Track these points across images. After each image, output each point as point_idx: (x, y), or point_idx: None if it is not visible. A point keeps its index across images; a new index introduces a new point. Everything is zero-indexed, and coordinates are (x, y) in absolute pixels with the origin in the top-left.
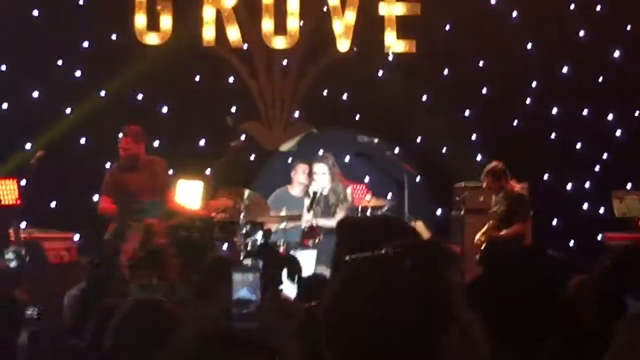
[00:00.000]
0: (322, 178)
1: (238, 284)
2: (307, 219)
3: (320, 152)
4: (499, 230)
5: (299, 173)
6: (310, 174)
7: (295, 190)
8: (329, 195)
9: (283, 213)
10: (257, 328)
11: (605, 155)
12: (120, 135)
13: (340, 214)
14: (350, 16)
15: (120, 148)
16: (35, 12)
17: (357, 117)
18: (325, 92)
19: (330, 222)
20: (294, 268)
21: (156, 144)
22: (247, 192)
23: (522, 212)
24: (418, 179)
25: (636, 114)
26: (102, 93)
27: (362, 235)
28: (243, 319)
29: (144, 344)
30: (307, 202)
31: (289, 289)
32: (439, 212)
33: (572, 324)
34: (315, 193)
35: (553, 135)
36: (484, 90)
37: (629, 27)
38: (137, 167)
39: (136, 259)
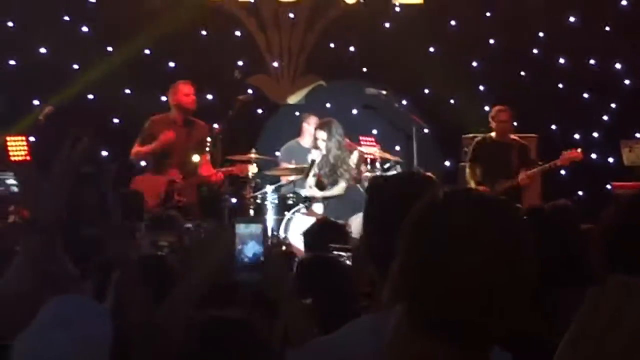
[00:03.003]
0: (321, 144)
1: (244, 237)
2: (310, 184)
3: (325, 117)
4: None
5: (311, 122)
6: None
7: (305, 141)
8: (336, 164)
9: (292, 165)
10: (259, 280)
11: (613, 105)
12: (185, 85)
13: (342, 183)
14: None
15: (189, 98)
16: None
17: (365, 69)
18: (332, 45)
19: (332, 192)
20: None
21: (164, 99)
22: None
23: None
24: (426, 130)
25: None
26: (110, 49)
27: (393, 191)
28: (246, 270)
29: (145, 301)
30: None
31: (298, 242)
32: (447, 163)
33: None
34: (313, 161)
35: (560, 86)
36: (491, 41)
37: None
38: (189, 123)
39: (156, 216)
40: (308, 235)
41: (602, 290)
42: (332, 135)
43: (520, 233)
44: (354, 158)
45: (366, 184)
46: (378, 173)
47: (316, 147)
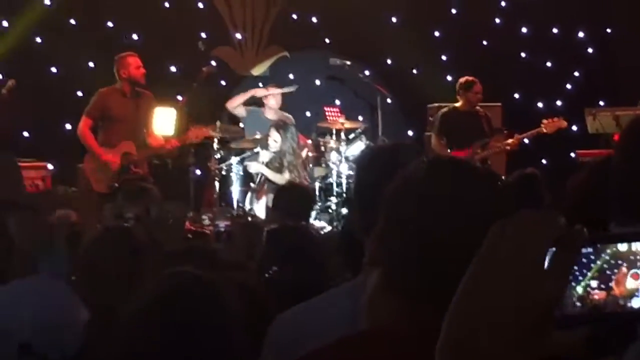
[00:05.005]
0: (273, 144)
1: None
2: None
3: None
4: None
5: (270, 94)
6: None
7: (268, 113)
8: (286, 155)
9: (258, 136)
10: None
11: (576, 73)
12: (134, 58)
13: (286, 174)
14: None
15: (140, 71)
16: None
17: (328, 40)
18: (295, 16)
19: (278, 179)
20: None
21: None
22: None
23: None
24: (389, 100)
25: (607, 30)
26: (72, 22)
27: (381, 162)
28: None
29: (111, 272)
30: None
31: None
32: (410, 133)
33: None
34: (264, 162)
35: (523, 54)
36: (453, 10)
37: None
38: (138, 95)
39: (127, 188)
40: (277, 201)
41: (505, 224)
42: (286, 139)
43: (500, 201)
44: (303, 155)
45: (329, 156)
46: (343, 144)
47: (266, 145)
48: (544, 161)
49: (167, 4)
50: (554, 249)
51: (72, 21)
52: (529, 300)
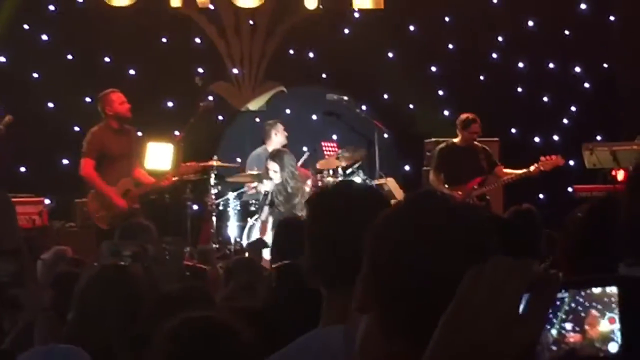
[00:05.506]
0: (273, 175)
1: None
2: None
3: (273, 137)
4: None
5: (280, 132)
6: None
7: (271, 149)
8: (288, 181)
9: (254, 172)
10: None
11: (573, 108)
12: (117, 95)
13: (295, 200)
14: None
15: (125, 107)
16: None
17: (324, 75)
18: (292, 51)
19: (288, 209)
20: None
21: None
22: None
23: None
24: (386, 135)
25: (604, 65)
26: (69, 57)
27: (339, 206)
28: None
29: (108, 311)
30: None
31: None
32: (407, 167)
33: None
34: (266, 193)
35: (520, 89)
36: (450, 46)
37: None
38: (126, 131)
39: (125, 225)
40: (277, 238)
41: (481, 269)
42: (284, 166)
43: (485, 235)
44: (308, 185)
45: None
46: (340, 178)
47: (268, 177)
48: (541, 196)
49: (164, 39)
50: (528, 294)
51: (69, 56)
52: (504, 345)
